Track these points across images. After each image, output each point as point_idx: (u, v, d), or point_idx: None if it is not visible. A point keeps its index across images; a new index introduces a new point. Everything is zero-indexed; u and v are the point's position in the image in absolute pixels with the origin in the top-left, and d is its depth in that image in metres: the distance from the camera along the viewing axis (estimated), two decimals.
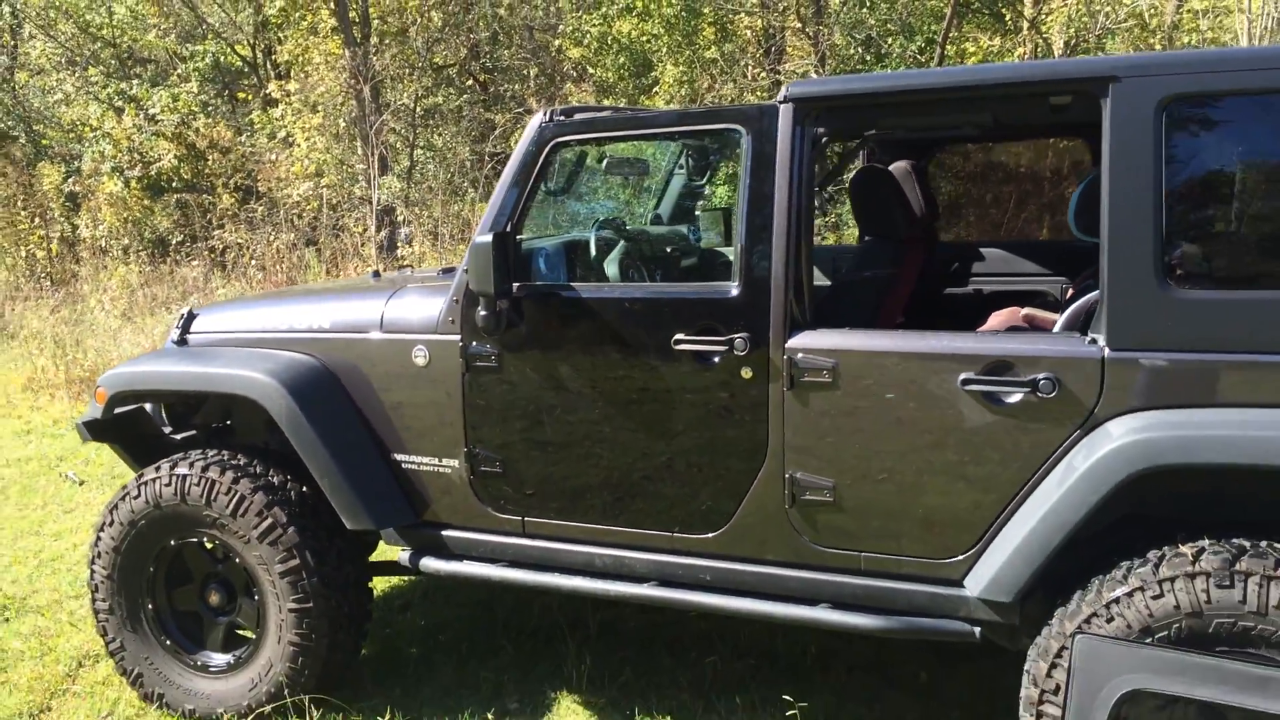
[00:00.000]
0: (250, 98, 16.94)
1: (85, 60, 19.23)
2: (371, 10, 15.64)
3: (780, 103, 3.04)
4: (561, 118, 3.35)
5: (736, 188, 3.17)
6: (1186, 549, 2.63)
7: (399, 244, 11.74)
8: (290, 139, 14.85)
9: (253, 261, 11.72)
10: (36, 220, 16.28)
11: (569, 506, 3.39)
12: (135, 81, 17.83)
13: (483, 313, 3.32)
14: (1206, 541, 2.63)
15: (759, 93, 15.97)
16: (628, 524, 3.32)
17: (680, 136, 3.92)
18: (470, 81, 18.80)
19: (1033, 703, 2.78)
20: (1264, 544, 2.58)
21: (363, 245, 12.21)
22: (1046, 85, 2.91)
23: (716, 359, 3.08)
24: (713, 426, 3.13)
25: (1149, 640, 2.60)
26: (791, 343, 3.00)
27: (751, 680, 3.77)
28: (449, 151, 16.78)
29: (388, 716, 3.62)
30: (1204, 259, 2.70)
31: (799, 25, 16.52)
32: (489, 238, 3.17)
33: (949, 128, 4.06)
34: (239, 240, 12.13)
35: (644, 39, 17.22)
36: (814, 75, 15.21)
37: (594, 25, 17.69)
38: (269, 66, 19.85)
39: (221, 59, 19.03)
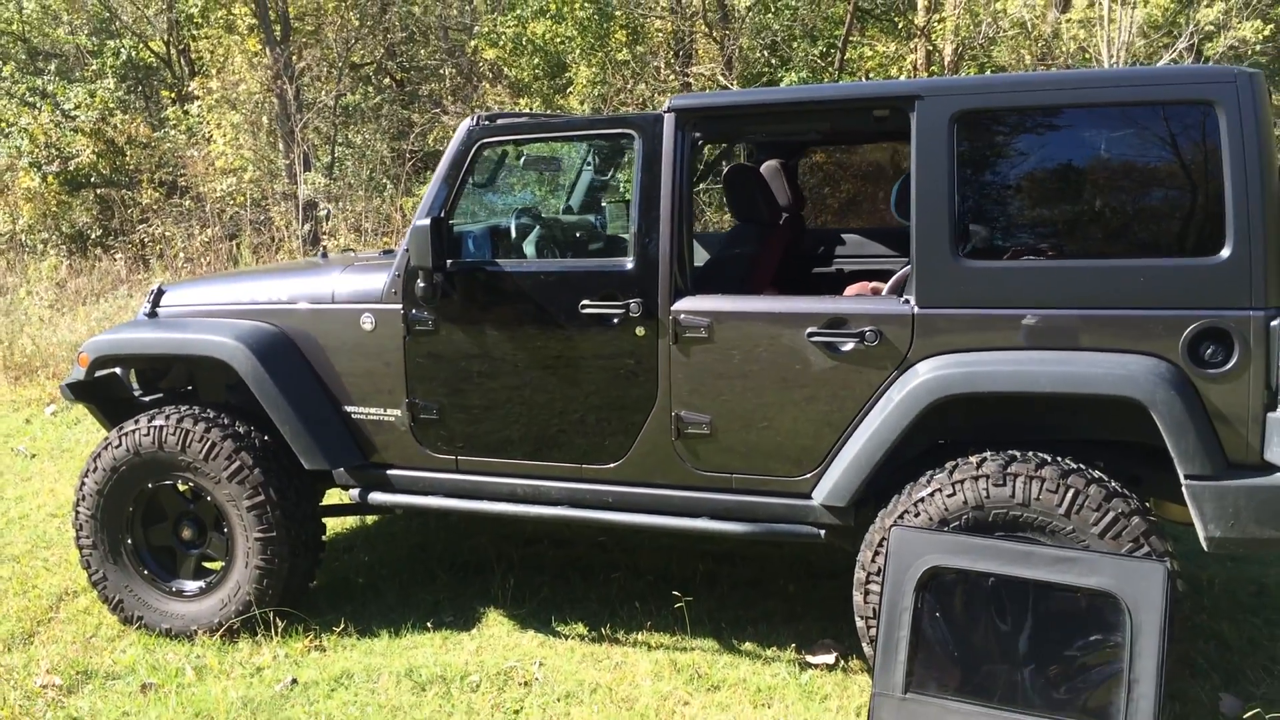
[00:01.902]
0: (172, 95, 17.13)
1: None
2: (289, 9, 16.00)
3: (665, 113, 3.78)
4: (487, 121, 4.04)
5: (630, 181, 3.89)
6: (973, 459, 3.43)
7: (322, 225, 12.20)
8: (208, 136, 15.18)
9: (180, 254, 12.09)
10: None
11: (495, 445, 4.07)
12: (45, 77, 17.88)
13: (421, 285, 4.00)
14: (988, 453, 3.43)
15: (670, 94, 16.72)
16: (544, 458, 4.02)
17: (585, 139, 4.64)
18: (387, 80, 19.24)
19: (861, 584, 3.56)
20: (1030, 453, 3.39)
21: (286, 239, 12.66)
22: (870, 101, 3.72)
23: (615, 320, 3.80)
24: (613, 375, 3.85)
25: (945, 528, 3.40)
26: (676, 306, 3.73)
27: (649, 593, 4.49)
28: (368, 148, 17.21)
29: (342, 626, 4.27)
30: (986, 236, 3.50)
31: (707, 30, 17.28)
32: (427, 222, 3.85)
33: (800, 134, 4.87)
34: (165, 234, 12.47)
35: (558, 41, 17.80)
36: (720, 78, 16.03)
37: (508, 26, 18.26)
38: (183, 63, 20.03)
39: (134, 55, 19.15)
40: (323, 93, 16.22)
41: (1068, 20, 16.21)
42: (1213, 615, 4.17)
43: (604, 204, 4.91)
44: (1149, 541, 3.22)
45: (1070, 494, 3.27)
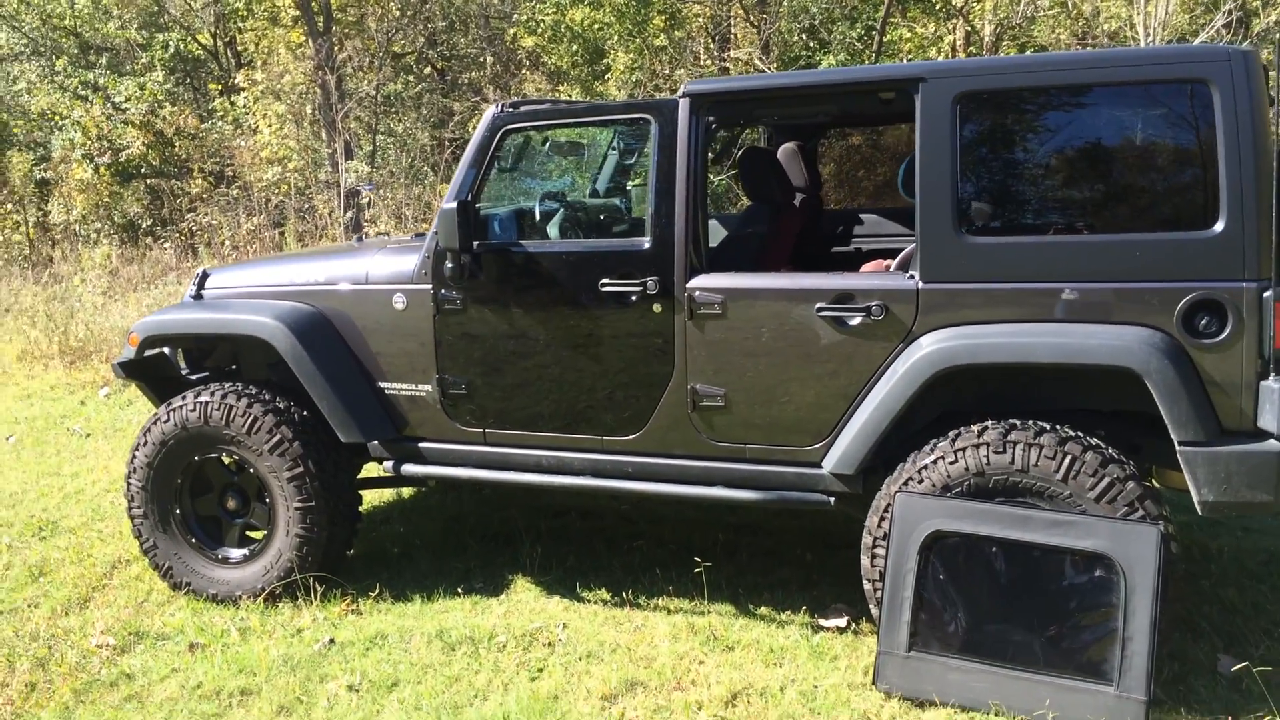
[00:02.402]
0: (219, 87, 17.52)
1: (50, 50, 19.68)
2: (332, 1, 16.30)
3: (680, 98, 3.93)
4: (511, 108, 4.22)
5: (649, 164, 4.05)
6: (975, 427, 3.56)
7: (364, 211, 12.48)
8: (254, 126, 15.53)
9: (226, 242, 12.43)
10: (10, 206, 16.83)
11: (521, 419, 4.26)
12: (97, 71, 18.36)
13: (449, 266, 4.20)
14: (989, 422, 3.56)
15: (709, 78, 16.80)
16: (567, 431, 4.20)
17: (605, 124, 4.81)
18: (428, 69, 19.51)
19: (869, 547, 3.71)
20: (1030, 422, 3.52)
21: (330, 226, 12.96)
22: (876, 84, 3.85)
23: (634, 297, 3.97)
24: (631, 351, 4.02)
25: (948, 494, 3.54)
26: (691, 284, 3.89)
27: (670, 561, 4.67)
28: (409, 137, 17.49)
29: (377, 591, 4.49)
30: (987, 213, 3.62)
31: (744, 14, 17.34)
32: (454, 205, 4.04)
33: (810, 116, 5.01)
34: (213, 222, 12.83)
35: (596, 27, 17.94)
36: (758, 62, 16.09)
37: (547, 14, 18.44)
38: (229, 55, 20.44)
39: (182, 48, 19.58)
40: (364, 82, 16.53)
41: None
42: (1220, 582, 4.26)
43: (628, 187, 5.07)
44: (1144, 505, 3.34)
45: (1067, 460, 3.39)
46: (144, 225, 15.69)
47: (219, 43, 20.44)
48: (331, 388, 4.40)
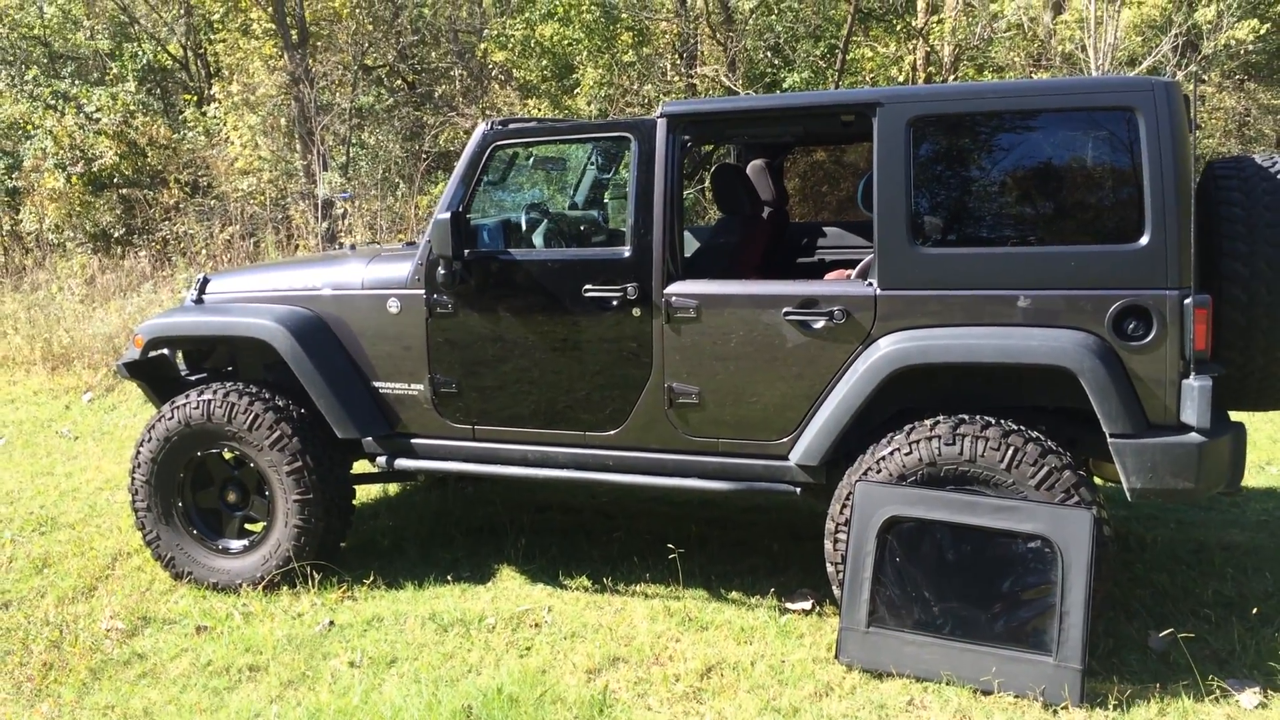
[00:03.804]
0: (192, 98, 17.67)
1: (19, 59, 19.73)
2: (306, 14, 16.52)
3: (658, 117, 4.26)
4: (500, 125, 4.53)
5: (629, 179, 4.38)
6: (927, 422, 3.91)
7: (339, 222, 12.71)
8: (226, 138, 15.71)
9: (203, 251, 12.61)
10: None
11: (508, 415, 4.56)
12: (65, 80, 18.44)
13: (442, 272, 4.49)
14: (941, 416, 3.91)
15: (675, 94, 17.19)
16: (551, 427, 4.50)
17: (588, 141, 5.14)
18: (399, 83, 19.75)
19: (831, 533, 4.04)
20: (977, 417, 3.86)
21: (305, 236, 13.16)
22: (838, 108, 4.21)
23: (614, 302, 4.28)
24: (612, 352, 4.33)
25: (903, 482, 3.88)
26: (668, 290, 4.22)
27: (647, 551, 4.97)
28: (380, 149, 17.72)
29: (371, 579, 4.76)
30: (938, 226, 3.97)
31: (711, 31, 17.74)
32: (447, 215, 4.34)
33: (778, 136, 5.37)
34: (189, 231, 13.00)
35: (565, 43, 18.27)
36: (724, 79, 16.49)
37: (517, 30, 18.76)
38: (199, 66, 20.57)
39: (152, 59, 19.69)
40: (337, 95, 16.75)
41: (1062, 22, 16.63)
42: (1153, 568, 4.63)
43: (605, 200, 5.39)
44: (1079, 492, 3.69)
45: (1011, 451, 3.74)
46: (116, 234, 15.80)
47: (189, 54, 20.58)
48: (329, 386, 4.68)
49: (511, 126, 4.56)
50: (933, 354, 3.86)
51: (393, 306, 4.66)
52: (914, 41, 17.02)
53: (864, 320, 3.98)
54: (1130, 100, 3.68)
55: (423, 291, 4.59)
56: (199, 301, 5.11)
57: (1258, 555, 4.76)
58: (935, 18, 16.79)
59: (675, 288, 4.22)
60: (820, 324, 4.03)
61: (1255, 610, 4.05)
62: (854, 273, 4.34)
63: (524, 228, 4.82)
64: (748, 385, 4.17)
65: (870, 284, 4.00)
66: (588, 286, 4.32)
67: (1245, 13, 16.23)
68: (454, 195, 4.51)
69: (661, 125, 4.24)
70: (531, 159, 5.33)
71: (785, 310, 4.07)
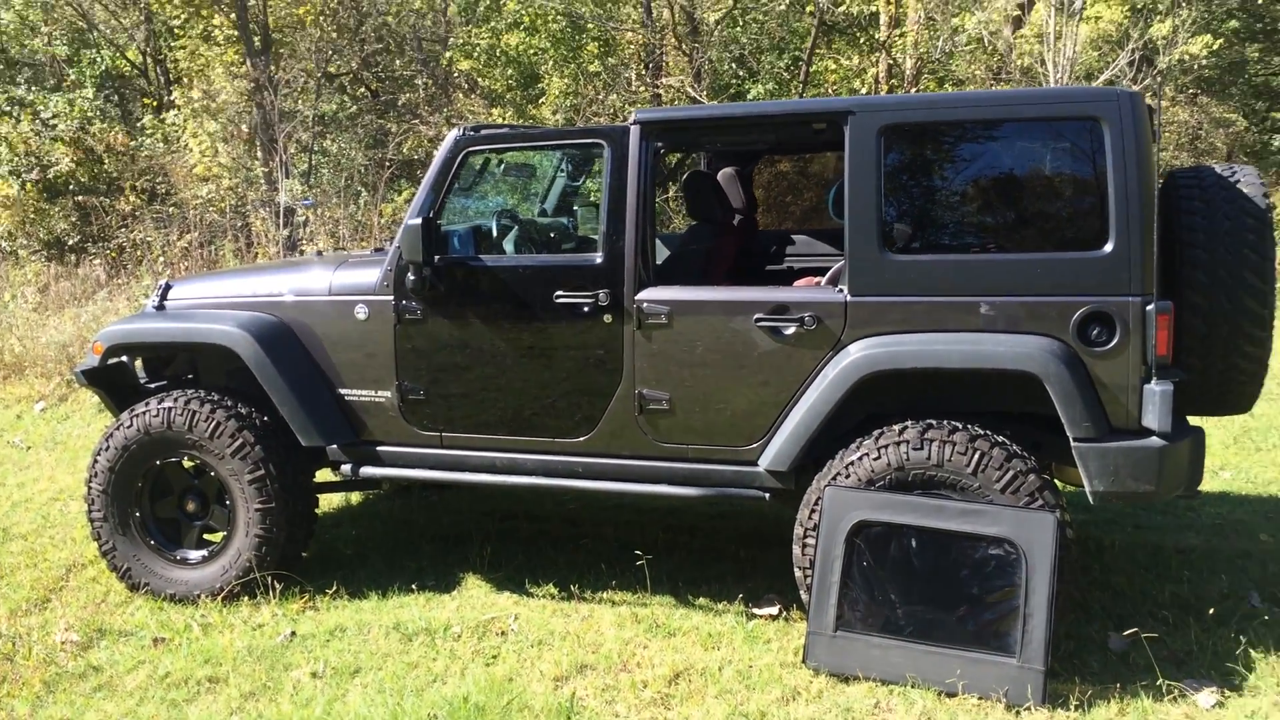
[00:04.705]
0: (152, 103, 17.47)
1: None
2: (270, 21, 16.38)
3: (631, 124, 4.26)
4: (472, 131, 4.51)
5: (602, 185, 4.37)
6: (896, 427, 3.92)
7: (300, 230, 12.59)
8: (185, 145, 15.54)
9: (160, 259, 12.44)
10: None
11: (476, 423, 4.52)
12: (23, 86, 18.16)
13: (412, 278, 4.45)
14: (909, 422, 3.92)
15: (641, 104, 17.24)
16: (521, 433, 4.47)
17: (560, 148, 5.12)
18: (362, 91, 19.64)
19: (800, 537, 4.04)
20: (944, 422, 3.88)
21: (266, 244, 13.02)
22: (810, 116, 4.24)
23: (586, 308, 4.26)
24: (583, 357, 4.31)
25: (872, 487, 3.89)
26: (639, 296, 4.21)
27: (614, 558, 4.95)
28: (343, 157, 17.61)
29: (334, 588, 4.70)
30: (908, 234, 4.00)
31: (677, 42, 17.81)
32: (419, 221, 4.31)
33: (750, 144, 5.39)
34: (147, 239, 12.83)
35: (531, 52, 18.27)
36: (690, 89, 16.56)
37: (483, 38, 18.73)
38: (159, 73, 20.34)
39: (110, 65, 19.45)
40: (299, 103, 16.62)
41: (1021, 36, 16.87)
42: (1110, 571, 4.68)
43: (575, 207, 5.38)
44: (1043, 495, 3.72)
45: (977, 455, 3.77)
46: (71, 242, 15.56)
47: (149, 60, 20.34)
48: (294, 394, 4.62)
49: (484, 132, 4.54)
50: (902, 360, 3.88)
51: (360, 313, 4.62)
52: (877, 54, 17.20)
53: (834, 326, 3.99)
54: (1095, 110, 3.72)
55: (391, 298, 4.55)
56: (160, 308, 5.03)
57: (1212, 558, 4.83)
58: (898, 31, 16.97)
59: (647, 294, 4.21)
60: (791, 330, 4.03)
61: (1211, 611, 4.10)
62: (824, 279, 4.35)
63: (495, 234, 4.79)
64: (718, 391, 4.17)
65: (841, 290, 4.01)
66: (559, 293, 4.30)
67: (1199, 29, 16.57)
68: (425, 201, 4.47)
69: (635, 132, 4.24)
70: (502, 166, 5.31)
71: (757, 316, 4.07)
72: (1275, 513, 5.41)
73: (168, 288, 5.08)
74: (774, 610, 4.39)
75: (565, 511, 5.74)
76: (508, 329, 4.42)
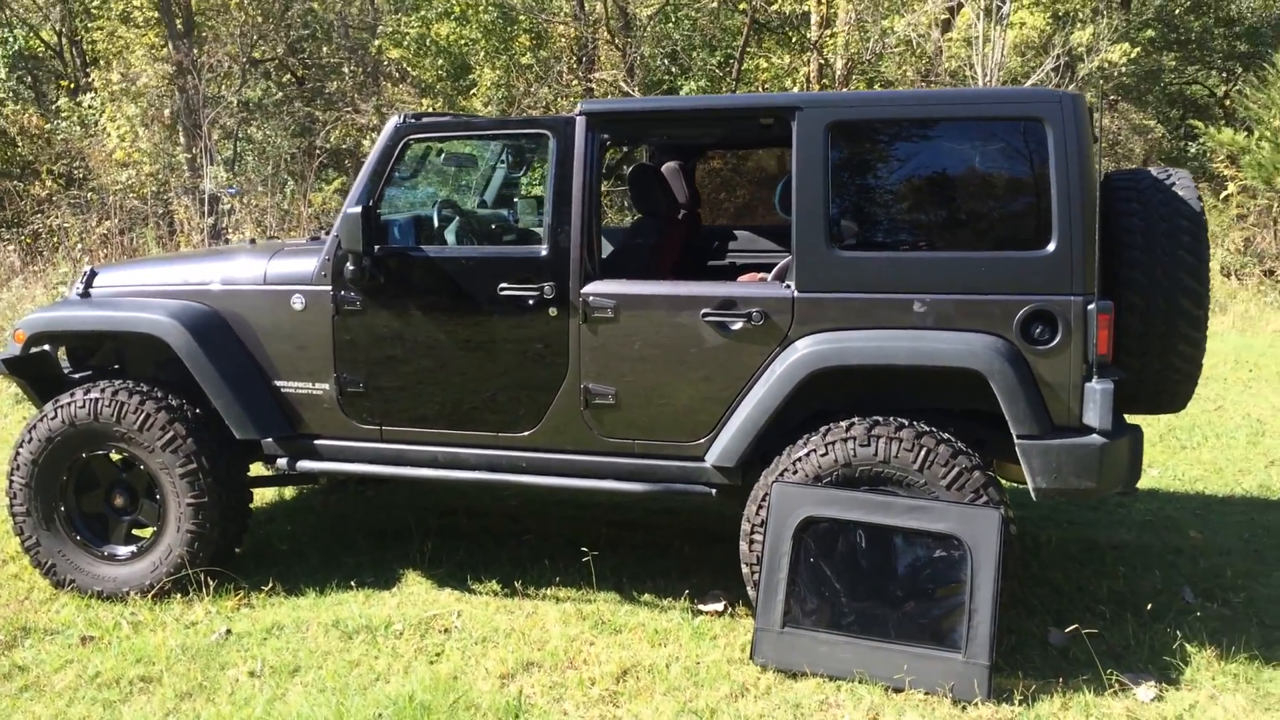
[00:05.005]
0: (69, 85, 16.89)
1: None
2: (192, 3, 15.95)
3: (577, 115, 4.21)
4: (413, 119, 4.42)
5: (545, 177, 4.32)
6: (843, 423, 3.94)
7: (225, 218, 12.30)
8: (103, 129, 15.06)
9: (78, 245, 12.04)
10: None
11: (417, 416, 4.44)
12: None
13: (351, 268, 4.35)
14: (856, 419, 3.95)
15: (573, 98, 17.15)
16: (463, 427, 4.40)
17: (504, 138, 5.05)
18: (288, 77, 19.24)
19: (747, 533, 4.04)
20: (891, 419, 3.91)
21: (189, 232, 12.69)
22: (757, 111, 4.23)
23: (531, 301, 4.21)
24: (528, 351, 4.26)
25: (819, 483, 3.91)
26: (585, 289, 4.17)
27: (557, 554, 4.90)
28: (268, 144, 17.22)
29: (270, 585, 4.58)
30: (856, 230, 4.02)
31: (609, 37, 17.76)
32: (359, 209, 4.21)
33: (697, 138, 5.39)
34: (64, 225, 12.41)
35: (462, 43, 18.06)
36: (623, 84, 16.53)
37: (412, 27, 18.46)
38: (74, 54, 19.68)
39: (24, 45, 18.77)
40: (223, 88, 16.21)
41: (949, 39, 17.15)
42: (1047, 567, 4.77)
43: (516, 198, 5.31)
44: (987, 492, 3.77)
45: (923, 452, 3.80)
46: None
47: (63, 40, 19.66)
48: (227, 385, 4.49)
49: (425, 121, 4.46)
50: (848, 356, 3.90)
51: (297, 303, 4.50)
52: (808, 54, 17.35)
53: (781, 322, 4.00)
54: (1039, 111, 3.78)
55: (329, 288, 4.44)
56: (86, 295, 4.85)
57: (1145, 554, 4.95)
58: (828, 31, 17.13)
59: (593, 287, 4.17)
60: (738, 325, 4.03)
61: (1149, 606, 4.20)
62: (771, 275, 4.36)
63: (436, 224, 4.71)
64: (665, 386, 4.15)
65: (788, 286, 4.02)
66: (503, 285, 4.24)
67: (1119, 37, 17.03)
68: (364, 189, 4.38)
69: (580, 123, 4.19)
70: (442, 155, 5.22)
71: (703, 311, 4.06)
72: (1203, 509, 5.58)
73: (93, 274, 4.91)
74: (719, 606, 4.39)
75: (506, 507, 5.67)
76: (450, 321, 4.35)
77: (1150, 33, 19.39)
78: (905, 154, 4.04)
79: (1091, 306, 3.72)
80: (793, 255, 4.02)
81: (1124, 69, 17.42)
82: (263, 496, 5.82)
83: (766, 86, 17.73)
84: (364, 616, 4.30)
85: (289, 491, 5.94)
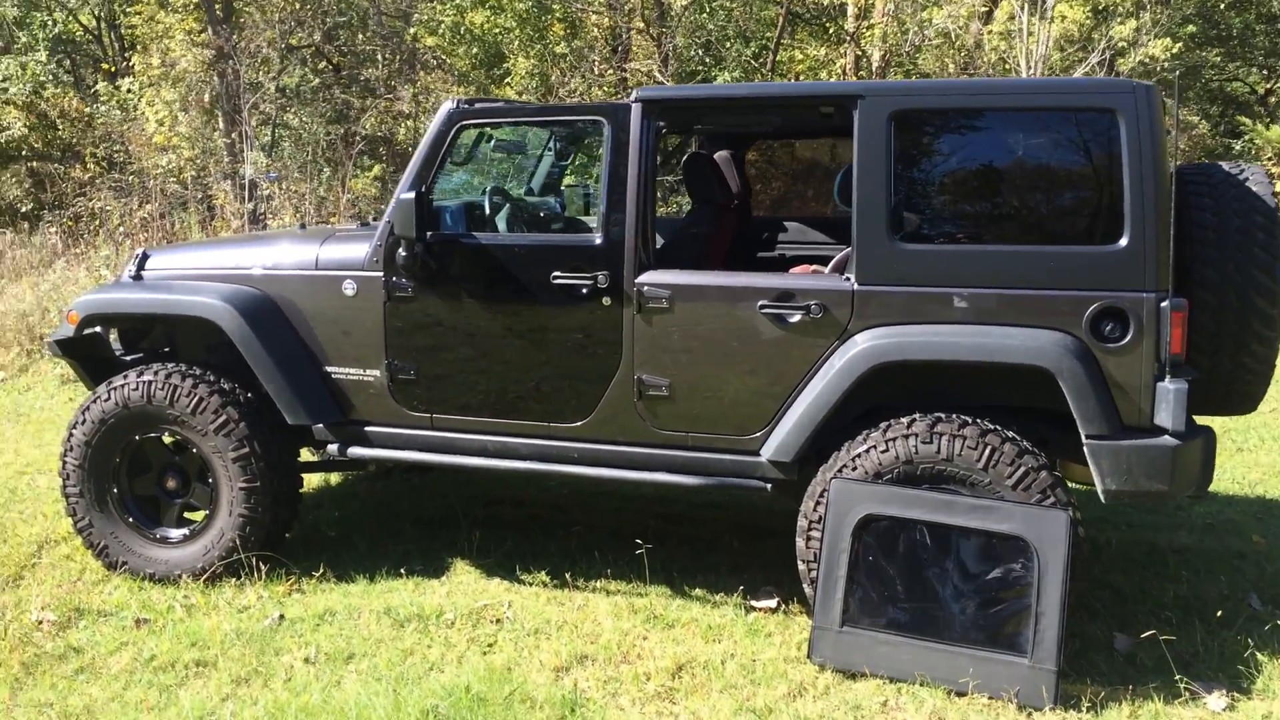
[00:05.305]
0: (111, 68, 16.99)
1: None
2: None
3: (633, 102, 4.15)
4: (466, 105, 4.38)
5: (599, 164, 4.26)
6: (904, 419, 3.87)
7: (265, 204, 12.32)
8: (141, 113, 15.12)
9: (120, 228, 12.11)
10: None
11: (468, 404, 4.41)
12: None
13: (403, 254, 4.32)
14: (917, 415, 3.87)
15: (605, 88, 17.09)
16: (514, 417, 4.36)
17: (557, 125, 5.00)
18: (323, 64, 19.26)
19: (804, 530, 3.98)
20: (954, 415, 3.84)
21: (227, 217, 12.71)
22: (818, 99, 4.17)
23: (584, 290, 4.16)
24: (580, 341, 4.21)
25: (879, 480, 3.84)
26: (640, 279, 4.11)
27: (605, 546, 4.86)
28: (303, 130, 17.25)
29: (321, 571, 4.57)
30: (919, 222, 3.95)
31: (644, 26, 17.66)
32: (412, 194, 4.17)
33: (753, 126, 5.31)
34: (106, 208, 12.48)
35: (496, 31, 18.02)
36: (657, 74, 16.44)
37: (447, 15, 18.43)
38: (113, 38, 19.79)
39: (63, 28, 18.89)
40: (260, 74, 16.24)
41: (989, 32, 16.93)
42: (1108, 569, 4.68)
43: (574, 186, 5.27)
44: (1054, 493, 3.69)
45: (988, 450, 3.73)
46: (24, 209, 15.11)
47: (102, 25, 19.77)
48: (279, 370, 4.47)
49: (478, 106, 4.42)
50: (911, 351, 3.83)
51: (349, 288, 4.48)
52: (844, 45, 17.19)
53: (841, 315, 3.93)
54: (1112, 102, 3.69)
55: (381, 274, 4.41)
56: (138, 278, 4.85)
57: (1206, 557, 4.85)
58: (865, 23, 16.96)
59: (647, 277, 4.12)
60: (796, 318, 3.96)
61: (1219, 614, 4.09)
62: (829, 267, 4.29)
63: (488, 211, 4.67)
64: (720, 378, 4.09)
65: (848, 279, 3.95)
66: (556, 273, 4.19)
67: (1162, 31, 16.76)
68: (416, 174, 4.34)
69: (636, 110, 4.13)
70: (492, 142, 5.18)
71: (761, 303, 3.99)
72: (1264, 513, 5.46)
73: (145, 257, 4.90)
74: (772, 603, 4.34)
75: (552, 497, 5.64)
76: (502, 309, 4.31)
77: (1191, 28, 19.08)
78: (970, 144, 3.96)
79: (1165, 304, 3.63)
80: (853, 247, 3.95)
81: (1166, 64, 17.14)
82: (309, 482, 5.79)
83: (802, 78, 17.57)
84: (415, 605, 4.27)
85: (334, 477, 5.94)
